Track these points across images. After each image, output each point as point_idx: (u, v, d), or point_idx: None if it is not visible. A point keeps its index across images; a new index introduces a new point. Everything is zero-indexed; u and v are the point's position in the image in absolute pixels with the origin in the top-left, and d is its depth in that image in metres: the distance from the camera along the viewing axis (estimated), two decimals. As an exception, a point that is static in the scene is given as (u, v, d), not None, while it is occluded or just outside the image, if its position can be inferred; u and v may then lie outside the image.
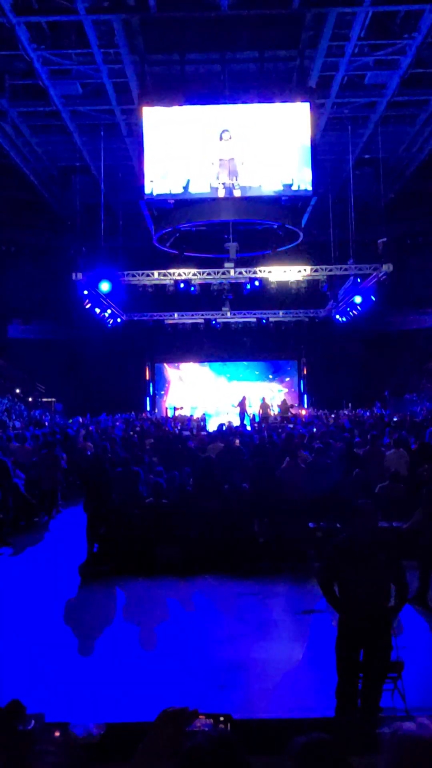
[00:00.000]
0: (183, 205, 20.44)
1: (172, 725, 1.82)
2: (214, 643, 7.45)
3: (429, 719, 1.74)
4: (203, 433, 20.52)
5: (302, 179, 19.56)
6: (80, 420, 26.63)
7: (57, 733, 2.87)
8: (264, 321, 30.88)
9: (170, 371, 36.93)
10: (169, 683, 6.38)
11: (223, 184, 19.34)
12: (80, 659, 7.07)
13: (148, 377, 35.96)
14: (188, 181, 19.56)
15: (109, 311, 26.02)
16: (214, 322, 30.86)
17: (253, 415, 28.63)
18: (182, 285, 23.73)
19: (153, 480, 11.60)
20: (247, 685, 6.36)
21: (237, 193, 19.43)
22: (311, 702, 5.85)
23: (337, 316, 27.79)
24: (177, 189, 19.57)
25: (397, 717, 5.37)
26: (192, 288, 23.98)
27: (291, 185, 19.57)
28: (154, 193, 19.60)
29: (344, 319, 27.32)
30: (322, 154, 22.24)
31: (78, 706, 5.78)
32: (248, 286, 23.68)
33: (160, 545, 10.32)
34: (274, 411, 29.40)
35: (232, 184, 19.36)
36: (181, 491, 11.23)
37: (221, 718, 2.43)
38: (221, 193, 19.46)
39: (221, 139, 19.20)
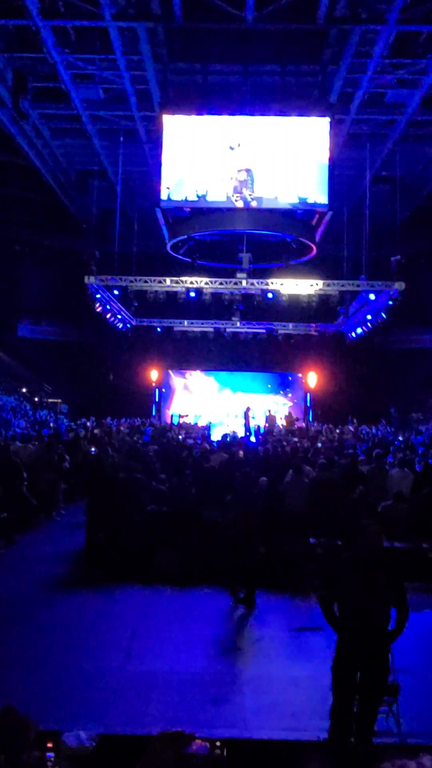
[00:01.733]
0: (198, 213, 20.49)
1: (170, 748, 1.78)
2: (208, 656, 7.39)
3: (430, 758, 1.70)
4: (206, 444, 20.47)
5: (318, 194, 19.60)
6: (86, 422, 26.65)
7: (50, 744, 2.83)
8: (274, 333, 30.83)
9: (175, 379, 36.89)
10: (162, 695, 6.32)
11: (240, 195, 19.42)
12: (71, 667, 6.96)
13: (154, 383, 35.91)
14: (205, 190, 19.64)
15: (119, 316, 26.07)
16: (223, 332, 30.85)
17: (258, 427, 28.57)
18: (193, 293, 23.75)
19: (155, 487, 11.57)
20: (241, 701, 6.28)
21: (253, 204, 19.49)
22: (305, 721, 5.78)
23: (347, 332, 27.75)
24: (193, 197, 19.65)
25: (395, 746, 5.29)
26: (193, 294, 23.99)
27: (307, 199, 19.61)
28: (171, 200, 19.68)
29: (354, 334, 27.28)
30: (339, 170, 22.28)
31: (69, 715, 5.72)
32: (257, 299, 23.71)
33: (159, 553, 10.27)
34: (281, 423, 29.33)
35: (249, 196, 19.42)
36: (182, 500, 11.18)
37: (217, 743, 2.39)
38: (238, 204, 19.52)
39: (233, 149, 19.27)
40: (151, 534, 10.49)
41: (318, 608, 5.39)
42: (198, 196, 19.65)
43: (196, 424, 30.66)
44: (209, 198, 19.64)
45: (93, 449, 17.11)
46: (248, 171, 19.65)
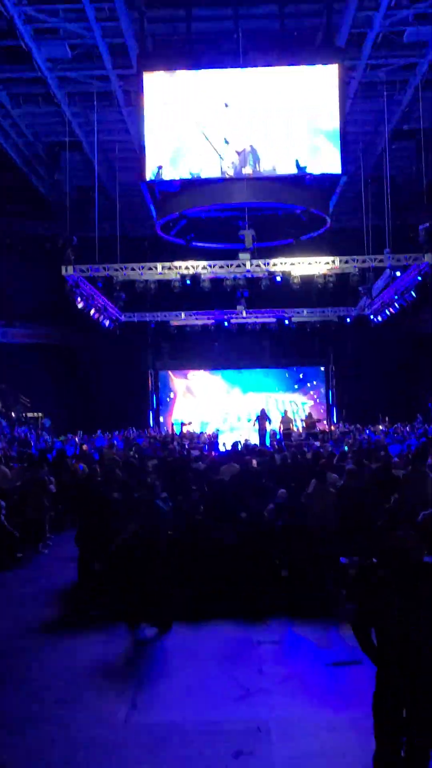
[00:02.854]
0: (191, 187, 20.48)
1: None
2: (228, 701, 7.34)
3: None
4: (215, 453, 20.45)
5: (330, 156, 19.57)
6: (72, 438, 26.65)
7: None
8: (285, 322, 30.79)
9: (176, 381, 36.93)
10: (175, 751, 6.27)
11: (236, 163, 19.45)
12: (67, 724, 6.92)
13: (150, 387, 35.96)
14: (197, 160, 19.66)
15: (105, 311, 26.05)
16: (227, 324, 30.84)
17: (274, 431, 28.52)
18: (189, 281, 23.72)
19: (157, 507, 11.54)
20: (268, 752, 6.24)
21: (252, 173, 19.49)
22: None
23: (372, 316, 27.66)
24: (184, 168, 19.66)
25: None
26: (189, 282, 23.98)
27: (316, 163, 19.59)
28: (157, 174, 19.68)
29: (380, 318, 27.18)
30: (353, 126, 22.24)
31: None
32: (264, 283, 23.63)
33: (165, 584, 10.23)
34: (298, 426, 29.24)
35: (247, 163, 19.43)
36: (189, 521, 11.16)
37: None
38: (234, 173, 19.52)
39: (227, 106, 19.28)
40: (155, 561, 10.44)
41: (353, 638, 5.35)
42: (190, 167, 19.70)
43: (202, 433, 30.66)
44: (202, 169, 19.67)
45: (82, 466, 17.10)
46: (246, 135, 19.68)
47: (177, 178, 19.72)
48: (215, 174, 19.56)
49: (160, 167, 19.58)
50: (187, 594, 10.24)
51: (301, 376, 36.70)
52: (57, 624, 10.01)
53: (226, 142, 19.53)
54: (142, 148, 19.61)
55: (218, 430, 31.23)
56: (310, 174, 19.79)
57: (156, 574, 9.61)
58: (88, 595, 10.73)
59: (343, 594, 10.20)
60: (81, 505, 12.00)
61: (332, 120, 19.33)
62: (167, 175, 19.74)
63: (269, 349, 34.47)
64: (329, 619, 9.65)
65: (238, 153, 19.49)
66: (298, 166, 19.49)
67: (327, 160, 19.69)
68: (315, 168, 19.63)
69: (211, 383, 36.72)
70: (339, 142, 19.36)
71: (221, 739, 6.44)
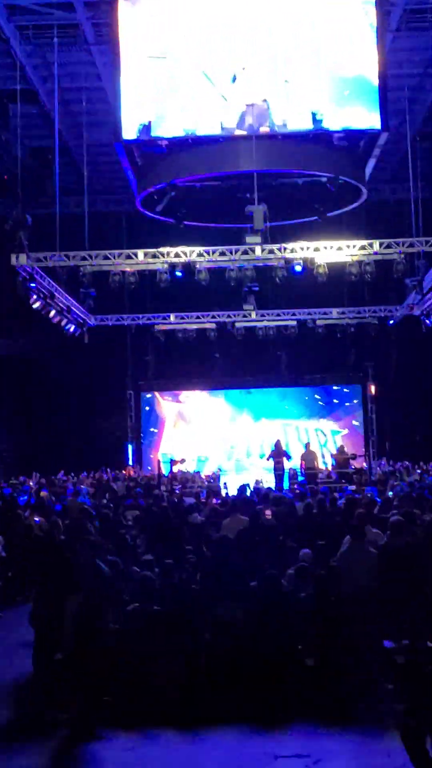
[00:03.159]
0: (181, 148, 20.60)
1: None
2: None
3: None
4: (216, 500, 20.39)
5: (365, 107, 19.68)
6: (26, 482, 26.59)
7: None
8: (309, 325, 30.79)
9: (165, 405, 36.92)
10: None
11: (247, 118, 19.58)
12: None
13: (130, 414, 35.92)
14: (191, 112, 19.79)
15: (68, 313, 26.04)
16: (231, 329, 30.85)
17: (294, 471, 28.47)
18: (181, 272, 23.77)
19: (139, 575, 11.51)
20: None
21: (265, 130, 19.61)
22: None
23: (423, 316, 27.65)
24: (173, 123, 19.77)
25: None
26: (180, 274, 24.01)
27: (347, 116, 19.70)
28: (140, 132, 19.81)
29: (434, 319, 27.17)
30: (395, 69, 22.32)
31: None
32: (280, 275, 23.65)
33: (152, 677, 10.19)
34: (327, 464, 29.15)
35: (261, 120, 19.56)
36: (182, 592, 11.11)
37: None
38: (239, 131, 19.65)
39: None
40: (138, 648, 10.40)
41: (402, 749, 5.31)
42: (186, 132, 19.85)
43: (198, 473, 30.63)
44: (197, 125, 19.82)
45: (38, 520, 17.06)
46: (265, 101, 19.84)
47: (164, 136, 19.79)
48: (215, 131, 19.63)
49: (145, 125, 19.65)
50: (181, 690, 10.17)
51: (329, 397, 36.70)
52: (3, 733, 9.94)
53: (234, 80, 19.61)
54: (117, 98, 19.74)
55: (220, 470, 31.21)
56: (339, 131, 19.90)
57: (129, 664, 9.57)
58: (45, 693, 10.64)
59: (389, 690, 10.13)
60: (38, 572, 11.93)
61: (368, 62, 19.44)
62: (151, 133, 19.80)
63: (287, 361, 34.49)
64: (370, 724, 9.59)
65: (248, 107, 19.58)
66: (314, 119, 19.59)
67: (361, 113, 19.80)
68: (345, 123, 19.70)
69: (210, 407, 36.74)
70: (377, 89, 19.45)
71: None
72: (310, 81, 19.65)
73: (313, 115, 19.75)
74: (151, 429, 36.79)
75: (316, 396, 36.71)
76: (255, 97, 19.70)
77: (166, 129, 19.91)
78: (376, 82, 19.68)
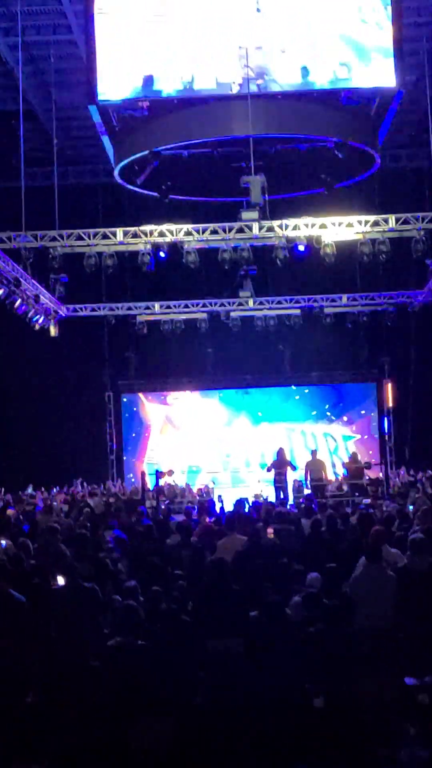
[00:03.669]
0: (164, 110, 20.59)
1: None
2: None
3: None
4: (209, 518, 20.42)
5: (378, 64, 19.72)
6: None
7: None
8: (315, 314, 30.78)
9: (150, 408, 36.84)
10: None
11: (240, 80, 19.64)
12: None
13: (109, 419, 35.84)
14: (191, 75, 19.86)
15: (36, 303, 26.03)
16: (225, 319, 30.84)
17: (300, 483, 28.48)
18: (166, 254, 23.78)
19: (121, 604, 11.52)
20: None
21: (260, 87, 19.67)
22: None
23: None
24: (166, 79, 19.80)
25: None
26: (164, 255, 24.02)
27: (357, 71, 19.74)
28: (114, 93, 19.84)
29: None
30: (411, 17, 22.30)
31: None
32: (281, 256, 23.67)
33: (137, 726, 10.19)
34: (338, 474, 29.14)
35: (254, 78, 19.60)
36: (171, 623, 11.13)
37: None
38: (234, 88, 19.68)
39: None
40: (120, 689, 10.41)
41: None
42: (184, 85, 19.86)
43: (188, 485, 30.62)
44: (197, 86, 19.86)
45: (4, 543, 17.06)
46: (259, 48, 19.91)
47: (137, 87, 19.78)
48: (209, 85, 19.63)
49: (109, 70, 19.66)
50: (170, 735, 10.18)
51: (339, 397, 36.70)
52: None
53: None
54: (91, 52, 19.71)
55: (215, 482, 31.20)
56: (349, 90, 19.94)
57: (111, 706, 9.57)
58: (13, 743, 10.63)
59: (411, 734, 10.15)
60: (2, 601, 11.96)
61: (379, 11, 19.50)
62: (122, 83, 19.79)
63: (291, 356, 34.45)
64: (389, 772, 9.62)
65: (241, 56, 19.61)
66: (304, 74, 19.62)
67: (373, 68, 19.82)
68: (354, 79, 19.73)
69: (202, 410, 36.69)
70: (392, 42, 19.49)
71: None
72: (316, 25, 19.73)
73: (303, 69, 19.80)
74: (133, 435, 36.69)
75: (323, 396, 36.65)
76: (247, 43, 19.77)
77: (139, 78, 19.79)
78: (389, 30, 19.69)
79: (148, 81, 19.99)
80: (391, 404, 34.35)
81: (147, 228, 23.59)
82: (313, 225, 23.31)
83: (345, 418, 36.47)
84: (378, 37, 19.75)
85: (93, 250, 23.91)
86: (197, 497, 28.42)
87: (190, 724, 10.23)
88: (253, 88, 19.80)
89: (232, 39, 20.05)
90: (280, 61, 19.97)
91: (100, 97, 20.02)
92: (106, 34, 19.68)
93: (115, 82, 19.93)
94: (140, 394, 36.70)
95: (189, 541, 15.80)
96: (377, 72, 19.81)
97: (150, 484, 30.09)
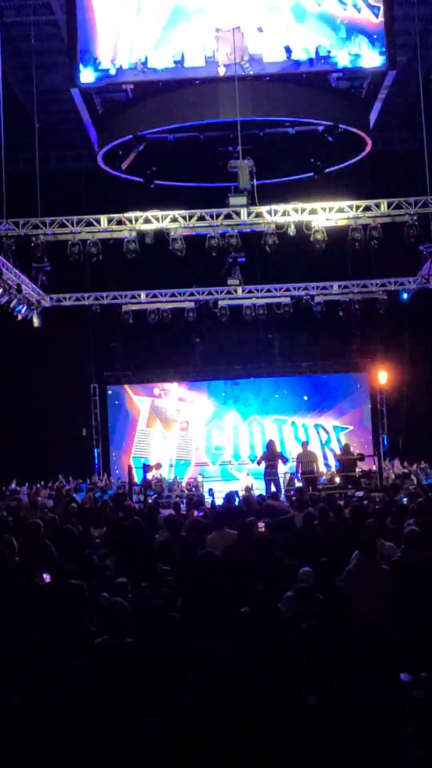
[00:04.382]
0: (149, 93, 20.53)
1: None
2: None
3: None
4: (197, 512, 20.40)
5: (367, 42, 19.69)
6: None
7: None
8: (306, 302, 30.76)
9: (136, 400, 36.77)
10: None
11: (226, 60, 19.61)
12: None
13: (94, 411, 35.77)
14: (180, 52, 19.84)
15: (17, 292, 25.96)
16: (213, 308, 30.80)
17: (291, 476, 28.47)
18: (151, 241, 23.71)
19: (108, 601, 11.47)
20: None
21: (247, 69, 19.65)
22: None
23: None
24: (163, 63, 19.81)
25: None
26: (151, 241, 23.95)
27: (347, 51, 19.71)
28: (97, 75, 19.79)
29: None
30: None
31: None
32: (270, 242, 23.62)
33: (121, 728, 10.15)
34: (330, 466, 29.13)
35: (238, 60, 19.59)
36: (160, 621, 11.09)
37: None
38: (220, 70, 19.64)
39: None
40: (105, 690, 10.37)
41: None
42: (175, 62, 19.83)
43: (177, 478, 30.60)
44: (187, 63, 19.84)
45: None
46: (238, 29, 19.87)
47: (123, 65, 19.74)
48: (198, 63, 19.60)
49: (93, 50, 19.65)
50: (159, 737, 10.14)
51: (331, 387, 36.65)
52: None
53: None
54: (73, 33, 19.65)
55: (204, 475, 31.18)
56: (338, 70, 19.91)
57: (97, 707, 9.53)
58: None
59: (407, 732, 10.12)
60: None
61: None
62: (108, 64, 19.77)
63: (281, 346, 34.42)
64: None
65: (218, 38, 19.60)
66: (288, 52, 19.60)
67: (363, 49, 19.78)
68: (341, 59, 19.71)
69: (191, 402, 36.64)
70: (382, 17, 19.46)
71: None
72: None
73: (287, 48, 19.79)
74: (119, 428, 36.60)
75: (314, 387, 36.61)
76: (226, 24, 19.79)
77: (125, 57, 19.76)
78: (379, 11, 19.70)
79: (138, 60, 19.96)
80: (385, 393, 34.40)
81: (132, 215, 23.52)
82: (302, 210, 23.25)
83: (336, 409, 36.42)
84: (367, 16, 19.71)
85: (77, 238, 23.84)
86: (186, 491, 28.38)
87: (179, 724, 10.19)
88: (239, 71, 19.77)
89: (208, 21, 20.05)
90: (260, 40, 19.91)
91: (83, 80, 19.95)
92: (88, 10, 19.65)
93: (99, 63, 19.88)
94: (126, 387, 36.64)
95: (178, 537, 15.78)
96: (367, 53, 19.77)
97: (137, 478, 30.09)
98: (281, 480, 28.18)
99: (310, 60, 19.84)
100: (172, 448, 35.03)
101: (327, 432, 35.58)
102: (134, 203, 24.20)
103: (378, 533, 13.26)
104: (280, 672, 10.54)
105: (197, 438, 35.58)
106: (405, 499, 20.08)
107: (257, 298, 30.84)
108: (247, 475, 30.74)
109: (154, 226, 23.39)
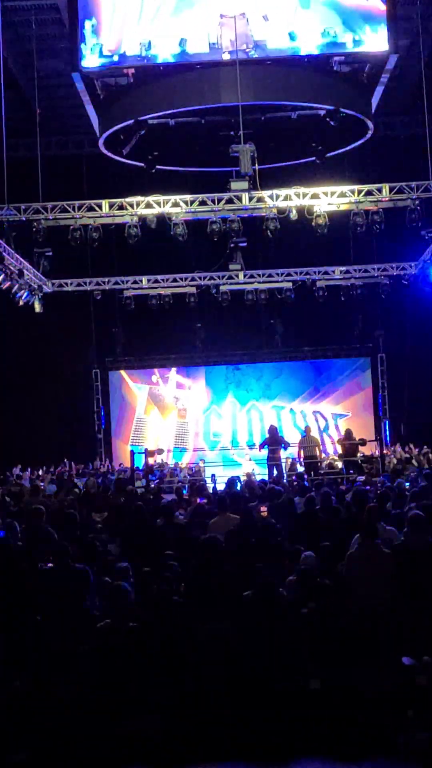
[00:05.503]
0: (150, 78, 20.49)
1: None
2: None
3: None
4: (199, 498, 20.41)
5: (370, 26, 19.65)
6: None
7: None
8: (307, 287, 30.72)
9: (134, 386, 36.67)
10: None
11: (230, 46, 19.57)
12: None
13: (95, 396, 35.73)
14: (179, 40, 19.79)
15: (19, 277, 25.94)
16: (214, 293, 30.77)
17: (292, 461, 28.47)
18: (153, 226, 23.68)
19: (110, 585, 11.49)
20: None
21: (251, 53, 19.61)
22: None
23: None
24: (168, 50, 19.77)
25: None
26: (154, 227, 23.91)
27: (350, 35, 19.67)
28: (99, 60, 19.76)
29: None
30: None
31: None
32: (272, 227, 23.59)
33: (126, 713, 10.17)
34: (330, 452, 29.11)
35: (242, 46, 19.54)
36: (162, 605, 11.10)
37: None
38: (224, 56, 19.62)
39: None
40: (108, 674, 10.39)
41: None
42: (181, 48, 19.80)
43: (177, 464, 30.60)
44: (191, 50, 19.80)
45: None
46: (242, 16, 19.83)
47: (122, 52, 19.72)
48: (202, 49, 19.58)
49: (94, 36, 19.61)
50: (161, 722, 10.15)
51: (333, 372, 36.60)
52: None
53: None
54: (74, 17, 19.60)
55: (204, 461, 31.18)
56: (339, 54, 19.87)
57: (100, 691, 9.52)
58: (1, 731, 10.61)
59: (409, 716, 10.13)
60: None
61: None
62: (108, 50, 19.73)
63: (282, 331, 34.39)
64: (386, 757, 9.58)
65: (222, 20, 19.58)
66: (292, 38, 19.58)
67: (366, 33, 19.73)
68: (345, 44, 19.67)
69: (190, 387, 36.59)
70: (383, 3, 19.44)
71: None
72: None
73: (291, 34, 19.75)
74: (122, 412, 36.54)
75: (315, 372, 36.60)
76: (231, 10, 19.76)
77: (125, 44, 19.74)
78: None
79: (142, 45, 19.91)
80: (384, 380, 34.35)
81: (133, 200, 23.52)
82: (304, 195, 23.26)
83: (338, 394, 36.35)
84: (375, 4, 19.69)
85: (78, 223, 23.83)
86: (188, 476, 28.38)
87: (182, 707, 10.22)
88: (242, 55, 19.75)
89: (212, 7, 20.05)
90: (265, 27, 19.92)
91: (85, 65, 19.91)
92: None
93: (105, 44, 19.85)
94: (124, 372, 36.58)
95: (180, 521, 15.81)
96: (369, 37, 19.74)
97: (137, 463, 30.06)
98: (283, 465, 28.16)
99: (315, 45, 19.75)
100: (169, 436, 34.99)
101: (325, 418, 35.55)
102: (136, 188, 24.19)
103: (379, 517, 13.28)
104: (283, 656, 10.54)
105: (195, 424, 35.55)
106: (407, 484, 20.10)
107: (259, 283, 30.84)
108: (249, 460, 30.72)
109: (156, 211, 23.39)
